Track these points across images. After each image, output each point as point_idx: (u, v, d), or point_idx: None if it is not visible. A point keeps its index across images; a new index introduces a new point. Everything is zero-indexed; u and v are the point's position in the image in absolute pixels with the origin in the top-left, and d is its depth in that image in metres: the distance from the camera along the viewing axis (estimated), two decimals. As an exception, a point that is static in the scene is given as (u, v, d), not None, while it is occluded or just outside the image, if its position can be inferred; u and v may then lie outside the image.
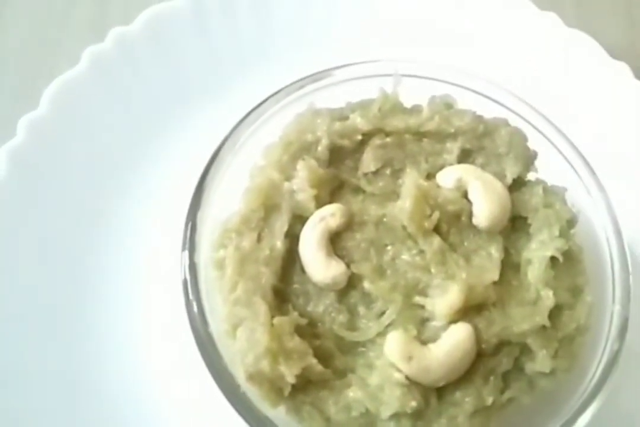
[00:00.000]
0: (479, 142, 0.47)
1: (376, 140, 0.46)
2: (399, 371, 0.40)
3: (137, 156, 0.60)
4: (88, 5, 0.69)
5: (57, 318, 0.54)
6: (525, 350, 0.42)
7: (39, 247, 0.56)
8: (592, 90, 0.61)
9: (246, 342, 0.40)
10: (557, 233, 0.44)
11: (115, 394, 0.51)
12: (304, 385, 0.41)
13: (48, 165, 0.58)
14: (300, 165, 0.45)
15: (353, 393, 0.40)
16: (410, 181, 0.44)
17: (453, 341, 0.40)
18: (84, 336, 0.53)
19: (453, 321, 0.41)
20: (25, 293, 0.54)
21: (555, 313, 0.43)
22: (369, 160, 0.46)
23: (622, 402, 0.51)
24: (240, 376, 0.40)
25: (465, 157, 0.47)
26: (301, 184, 0.44)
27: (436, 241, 0.43)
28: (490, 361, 0.42)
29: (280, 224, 0.44)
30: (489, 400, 0.41)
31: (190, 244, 0.45)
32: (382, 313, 0.42)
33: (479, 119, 0.47)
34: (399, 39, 0.63)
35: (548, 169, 0.48)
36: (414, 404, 0.39)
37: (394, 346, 0.40)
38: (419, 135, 0.47)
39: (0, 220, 0.55)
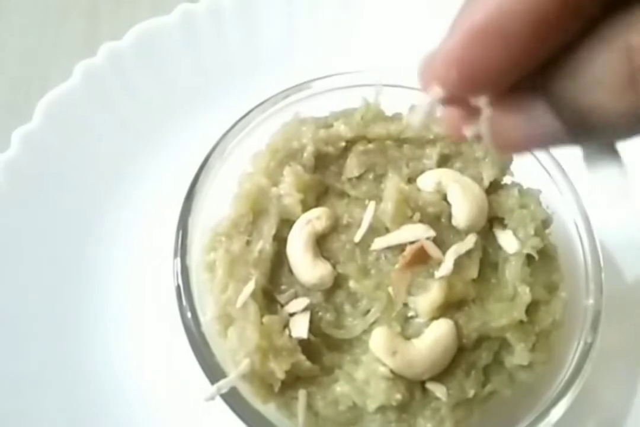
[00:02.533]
0: (457, 147, 0.49)
1: (359, 147, 0.48)
2: (384, 365, 0.41)
3: (129, 166, 0.61)
4: (80, 21, 0.71)
5: (52, 325, 0.55)
6: (504, 344, 0.44)
7: (33, 258, 0.57)
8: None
9: (237, 341, 0.42)
10: (532, 232, 0.46)
11: (109, 391, 0.53)
12: (293, 381, 0.42)
13: (41, 177, 0.59)
14: (287, 172, 0.46)
15: (340, 388, 0.42)
16: (392, 185, 0.46)
17: (435, 336, 0.42)
18: (78, 337, 0.54)
19: (435, 317, 0.43)
20: (19, 303, 0.55)
21: (532, 308, 0.44)
22: (352, 166, 0.48)
23: (599, 397, 0.53)
24: (231, 373, 0.42)
25: (444, 162, 0.49)
26: (288, 189, 0.46)
27: (417, 241, 0.45)
28: (471, 355, 0.43)
29: (269, 228, 0.45)
30: (471, 393, 0.42)
31: (182, 249, 0.46)
32: (367, 311, 0.44)
33: (456, 125, 0.49)
34: (381, 50, 0.65)
35: (523, 173, 0.50)
36: (398, 396, 0.41)
37: (378, 341, 0.42)
38: (400, 141, 0.49)
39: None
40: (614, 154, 0.24)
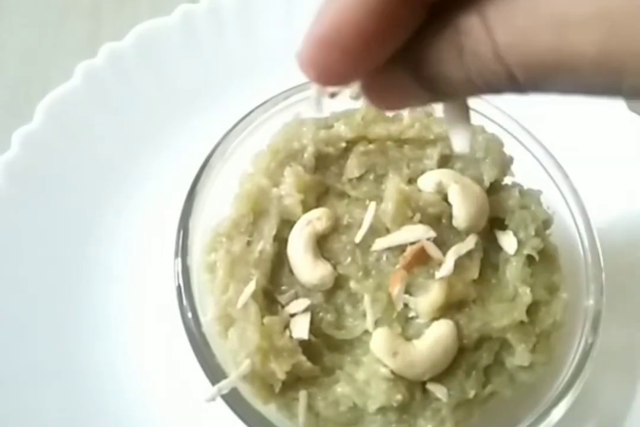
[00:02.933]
0: (458, 148, 0.49)
1: (360, 148, 0.48)
2: (385, 366, 0.41)
3: (130, 167, 0.61)
4: (80, 21, 0.71)
5: (52, 325, 0.55)
6: (504, 345, 0.44)
7: (33, 258, 0.57)
8: (565, 98, 0.63)
9: (238, 341, 0.42)
10: (533, 233, 0.46)
11: (109, 391, 0.53)
12: (294, 382, 0.42)
13: (42, 178, 0.59)
14: (288, 172, 0.46)
15: (341, 388, 0.42)
16: (393, 186, 0.46)
17: (435, 337, 0.42)
18: (78, 337, 0.55)
19: (435, 318, 0.43)
20: (19, 303, 0.55)
21: (532, 309, 0.44)
22: (353, 167, 0.48)
23: (599, 398, 0.53)
24: (232, 373, 0.42)
25: (444, 162, 0.49)
26: (288, 189, 0.46)
27: (418, 242, 0.45)
28: (472, 356, 0.43)
29: (269, 228, 0.45)
30: (471, 393, 0.42)
31: (183, 249, 0.46)
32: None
33: (457, 126, 0.49)
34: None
35: (524, 173, 0.50)
36: (399, 397, 0.41)
37: (379, 342, 0.42)
38: (401, 142, 0.49)
39: (-4, 232, 0.56)
40: (465, 109, 0.30)
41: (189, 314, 0.44)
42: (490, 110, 0.51)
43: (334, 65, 0.25)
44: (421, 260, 0.44)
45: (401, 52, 0.27)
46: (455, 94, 0.28)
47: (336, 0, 0.24)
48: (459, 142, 0.30)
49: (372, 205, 0.45)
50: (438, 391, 0.42)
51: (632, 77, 0.22)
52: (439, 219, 0.46)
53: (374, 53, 0.26)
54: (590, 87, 0.24)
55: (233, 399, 0.42)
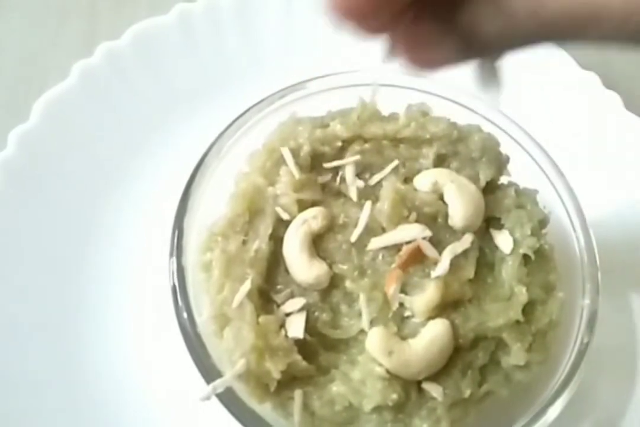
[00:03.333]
0: (454, 147, 0.49)
1: (355, 147, 0.48)
2: (380, 365, 0.41)
3: (126, 166, 0.61)
4: (78, 21, 0.71)
5: (50, 325, 0.55)
6: (500, 344, 0.44)
7: (31, 258, 0.57)
8: (562, 98, 0.64)
9: (233, 341, 0.42)
10: (529, 232, 0.46)
11: (106, 391, 0.53)
12: (289, 381, 0.42)
13: (38, 177, 0.59)
14: (283, 171, 0.46)
15: (336, 388, 0.42)
16: (389, 185, 0.46)
17: (431, 336, 0.42)
18: (77, 337, 0.55)
19: (431, 317, 0.43)
20: (17, 303, 0.55)
21: (528, 308, 0.44)
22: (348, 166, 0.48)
23: (595, 397, 0.53)
24: (227, 373, 0.42)
25: (440, 161, 0.49)
26: (284, 188, 0.46)
27: (413, 241, 0.45)
28: (468, 355, 0.43)
29: (265, 227, 0.45)
30: (467, 392, 0.42)
31: (178, 249, 0.46)
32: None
33: (453, 125, 0.49)
34: (377, 50, 0.65)
35: (520, 173, 0.50)
36: (394, 396, 0.41)
37: (375, 341, 0.42)
38: (396, 141, 0.49)
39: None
40: (496, 69, 0.31)
41: (184, 314, 0.44)
42: (486, 110, 0.51)
43: None
44: (417, 259, 0.44)
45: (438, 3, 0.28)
46: (487, 48, 0.29)
47: None
48: (491, 100, 0.33)
49: (368, 205, 0.45)
50: (434, 390, 0.42)
51: None
52: (434, 219, 0.46)
53: None
54: (621, 36, 0.25)
55: (228, 398, 0.42)
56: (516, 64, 0.62)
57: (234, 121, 0.50)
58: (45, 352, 0.54)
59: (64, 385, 0.53)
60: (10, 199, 0.57)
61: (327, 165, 0.47)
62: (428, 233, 0.44)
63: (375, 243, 0.44)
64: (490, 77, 0.31)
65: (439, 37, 0.29)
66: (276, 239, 0.45)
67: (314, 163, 0.48)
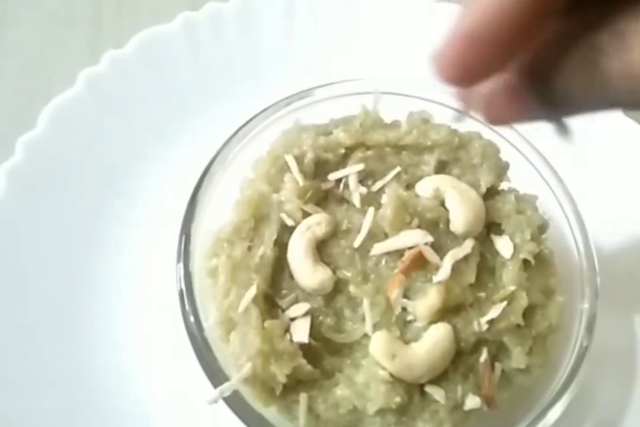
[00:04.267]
0: (455, 154, 0.50)
1: (358, 154, 0.49)
2: (384, 368, 0.42)
3: (133, 173, 0.62)
4: (83, 29, 0.71)
5: (55, 328, 0.55)
6: (501, 348, 0.45)
7: (37, 264, 0.57)
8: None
9: (239, 345, 0.42)
10: (529, 237, 0.47)
11: (112, 394, 0.53)
12: (295, 385, 0.43)
13: (46, 184, 0.59)
14: (287, 178, 0.47)
15: (341, 391, 0.42)
16: (391, 191, 0.47)
17: (433, 340, 0.43)
18: (82, 340, 0.55)
19: (433, 321, 0.44)
20: (23, 306, 0.56)
21: (528, 313, 0.45)
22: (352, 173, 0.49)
23: (595, 400, 0.54)
24: (233, 377, 0.42)
25: (441, 168, 0.50)
26: (288, 195, 0.47)
27: (416, 246, 0.45)
28: (469, 359, 0.44)
29: (270, 233, 0.46)
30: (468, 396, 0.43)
31: (185, 255, 0.47)
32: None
33: (454, 132, 0.50)
34: (381, 58, 0.66)
35: (520, 179, 0.51)
36: (398, 399, 0.41)
37: (378, 345, 0.42)
38: (398, 148, 0.50)
39: (-1, 239, 0.56)
40: (565, 124, 0.32)
41: (191, 318, 0.45)
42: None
43: (477, 59, 0.27)
44: (419, 264, 0.45)
45: (529, 67, 0.28)
46: (574, 110, 0.29)
47: None
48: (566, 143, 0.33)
49: (371, 211, 0.46)
50: (436, 393, 0.43)
51: None
52: (436, 224, 0.47)
53: (518, 47, 0.27)
54: None
55: (235, 402, 0.42)
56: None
57: (239, 129, 0.50)
58: (48, 354, 0.54)
59: (67, 387, 0.53)
60: (18, 206, 0.58)
61: (331, 176, 0.48)
62: (430, 239, 0.45)
63: (378, 249, 0.45)
64: (561, 126, 0.32)
65: (526, 97, 0.30)
66: (281, 245, 0.46)
67: (317, 170, 0.48)
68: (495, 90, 0.31)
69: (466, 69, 0.27)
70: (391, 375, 0.42)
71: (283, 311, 0.45)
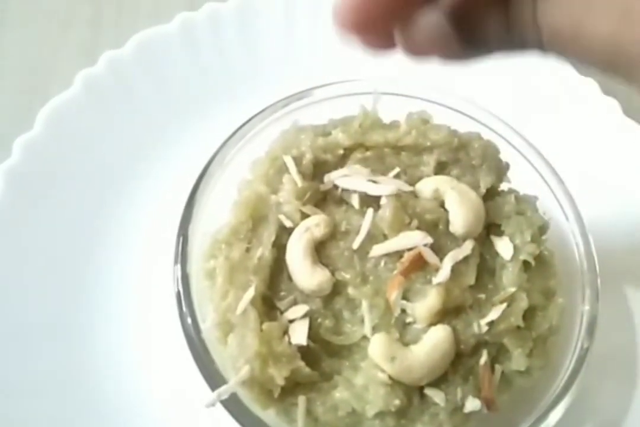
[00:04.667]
0: (454, 154, 0.49)
1: (357, 154, 0.48)
2: (383, 371, 0.41)
3: (130, 174, 0.62)
4: (81, 30, 0.71)
5: (54, 330, 0.55)
6: (501, 350, 0.45)
7: (35, 266, 0.57)
8: (561, 105, 0.64)
9: (237, 347, 0.42)
10: (529, 239, 0.46)
11: (110, 397, 0.53)
12: (293, 387, 0.43)
13: (43, 185, 0.59)
14: (286, 179, 0.47)
15: (339, 394, 0.42)
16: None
17: (433, 342, 0.42)
18: (81, 341, 0.55)
19: (432, 323, 0.43)
20: (22, 308, 0.55)
21: (529, 314, 0.45)
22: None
23: (596, 402, 0.53)
24: (231, 379, 0.42)
25: (441, 169, 0.49)
26: (287, 196, 0.46)
27: (415, 248, 0.45)
28: (469, 361, 0.44)
29: (268, 235, 0.46)
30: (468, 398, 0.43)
31: (182, 256, 0.46)
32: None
33: (453, 133, 0.50)
34: (379, 59, 0.65)
35: (520, 179, 0.50)
36: (397, 402, 0.41)
37: (377, 347, 0.42)
38: (398, 149, 0.49)
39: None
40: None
41: (189, 320, 0.44)
42: (486, 117, 0.52)
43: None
44: (418, 266, 0.44)
45: (457, 10, 0.29)
46: (486, 47, 0.30)
47: None
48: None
49: (370, 212, 0.46)
50: (436, 395, 0.42)
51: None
52: (435, 225, 0.46)
53: None
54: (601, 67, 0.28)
55: (232, 405, 0.42)
56: (514, 70, 0.63)
57: (237, 130, 0.50)
58: (47, 356, 0.54)
59: (65, 389, 0.53)
60: (16, 207, 0.58)
61: (330, 177, 0.48)
62: (429, 240, 0.45)
63: (377, 250, 0.45)
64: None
65: (441, 30, 0.30)
66: (279, 247, 0.46)
67: (316, 171, 0.48)
68: (418, 27, 0.31)
69: (367, 12, 0.28)
70: (390, 377, 0.41)
71: (281, 312, 0.44)
